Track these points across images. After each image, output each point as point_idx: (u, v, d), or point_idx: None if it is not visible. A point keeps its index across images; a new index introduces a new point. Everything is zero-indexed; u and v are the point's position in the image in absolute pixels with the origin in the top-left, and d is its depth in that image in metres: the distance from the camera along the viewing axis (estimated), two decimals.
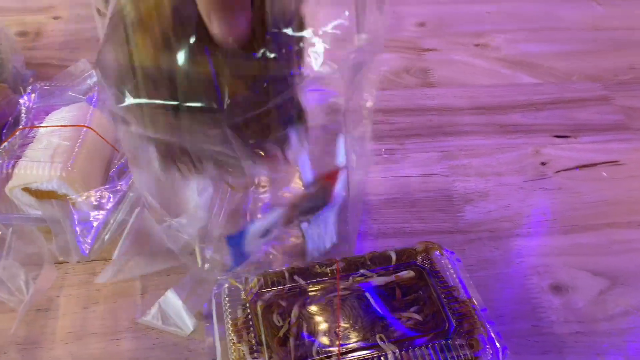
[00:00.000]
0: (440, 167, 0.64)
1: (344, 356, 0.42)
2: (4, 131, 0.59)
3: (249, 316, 0.45)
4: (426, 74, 0.75)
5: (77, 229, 0.46)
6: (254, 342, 0.44)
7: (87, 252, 0.47)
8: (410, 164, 0.64)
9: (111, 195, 0.48)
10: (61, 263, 0.52)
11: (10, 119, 0.60)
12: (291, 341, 0.43)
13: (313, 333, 0.44)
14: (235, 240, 0.48)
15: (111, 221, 0.49)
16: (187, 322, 0.49)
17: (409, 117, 0.69)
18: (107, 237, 0.49)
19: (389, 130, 0.67)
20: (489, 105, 0.71)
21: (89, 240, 0.46)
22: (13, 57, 0.67)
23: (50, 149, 0.53)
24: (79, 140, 0.53)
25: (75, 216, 0.46)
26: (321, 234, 0.50)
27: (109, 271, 0.49)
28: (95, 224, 0.46)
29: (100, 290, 0.52)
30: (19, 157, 0.54)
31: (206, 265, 0.50)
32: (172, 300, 0.49)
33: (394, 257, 0.49)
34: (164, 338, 0.49)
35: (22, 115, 0.58)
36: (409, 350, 0.43)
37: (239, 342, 0.44)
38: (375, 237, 0.57)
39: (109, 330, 0.49)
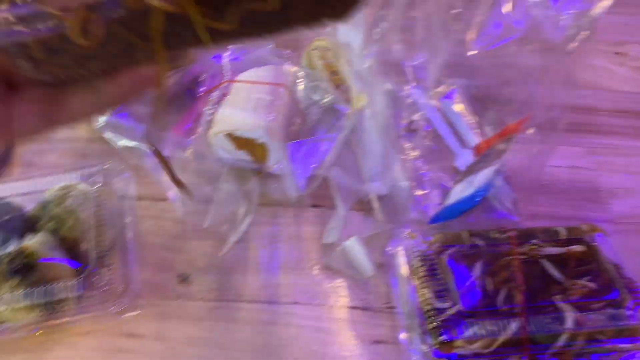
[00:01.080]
0: (586, 161, 0.67)
1: (527, 310, 0.47)
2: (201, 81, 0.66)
3: (434, 265, 0.51)
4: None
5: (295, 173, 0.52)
6: (438, 288, 0.49)
7: (304, 191, 0.54)
8: (558, 156, 0.68)
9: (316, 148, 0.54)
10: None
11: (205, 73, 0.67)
12: (476, 292, 0.48)
13: (496, 288, 0.49)
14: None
15: (319, 170, 0.55)
16: (367, 267, 0.54)
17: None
18: (314, 184, 0.56)
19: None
20: (631, 109, 0.74)
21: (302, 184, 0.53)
22: None
23: (252, 101, 0.59)
24: (279, 97, 0.60)
25: (292, 159, 0.52)
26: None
27: (335, 230, 0.55)
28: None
29: (283, 231, 0.58)
30: (219, 106, 0.61)
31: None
32: (355, 246, 0.55)
33: (563, 232, 0.53)
34: (343, 279, 0.55)
35: (226, 70, 0.65)
36: (585, 314, 0.47)
37: (423, 288, 0.49)
38: (528, 218, 0.61)
39: (294, 265, 0.56)
